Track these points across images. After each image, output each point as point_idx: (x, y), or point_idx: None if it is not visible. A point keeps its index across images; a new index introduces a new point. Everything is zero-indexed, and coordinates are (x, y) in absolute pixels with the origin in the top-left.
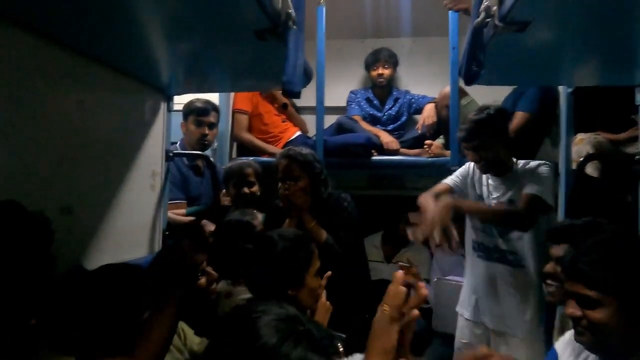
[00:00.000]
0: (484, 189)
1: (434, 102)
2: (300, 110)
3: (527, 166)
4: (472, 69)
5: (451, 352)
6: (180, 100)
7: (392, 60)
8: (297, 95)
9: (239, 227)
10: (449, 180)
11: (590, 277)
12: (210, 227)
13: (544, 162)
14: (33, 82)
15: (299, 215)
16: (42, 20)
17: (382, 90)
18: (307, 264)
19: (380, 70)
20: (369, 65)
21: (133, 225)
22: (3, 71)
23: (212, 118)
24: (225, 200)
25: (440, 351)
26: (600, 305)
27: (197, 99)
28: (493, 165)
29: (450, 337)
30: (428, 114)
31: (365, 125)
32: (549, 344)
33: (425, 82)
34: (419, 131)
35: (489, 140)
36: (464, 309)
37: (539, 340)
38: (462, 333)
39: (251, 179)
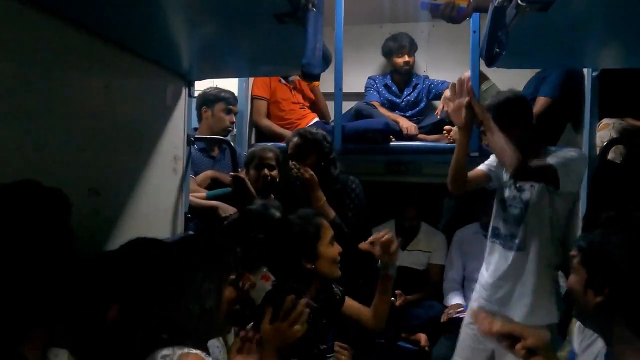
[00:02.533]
0: None
1: None
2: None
3: (558, 152)
4: (493, 50)
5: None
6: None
7: (415, 48)
8: (317, 77)
9: (257, 219)
10: (484, 166)
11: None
12: (229, 210)
13: (577, 149)
14: (59, 67)
15: (307, 193)
16: (67, 5)
17: (401, 77)
18: (316, 235)
19: (406, 58)
20: (391, 52)
21: (156, 207)
22: (31, 56)
23: (237, 107)
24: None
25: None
26: (575, 272)
27: (218, 88)
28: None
29: None
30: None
31: (383, 111)
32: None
33: (445, 67)
34: (438, 117)
35: (505, 125)
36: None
37: (542, 327)
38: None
39: (272, 162)
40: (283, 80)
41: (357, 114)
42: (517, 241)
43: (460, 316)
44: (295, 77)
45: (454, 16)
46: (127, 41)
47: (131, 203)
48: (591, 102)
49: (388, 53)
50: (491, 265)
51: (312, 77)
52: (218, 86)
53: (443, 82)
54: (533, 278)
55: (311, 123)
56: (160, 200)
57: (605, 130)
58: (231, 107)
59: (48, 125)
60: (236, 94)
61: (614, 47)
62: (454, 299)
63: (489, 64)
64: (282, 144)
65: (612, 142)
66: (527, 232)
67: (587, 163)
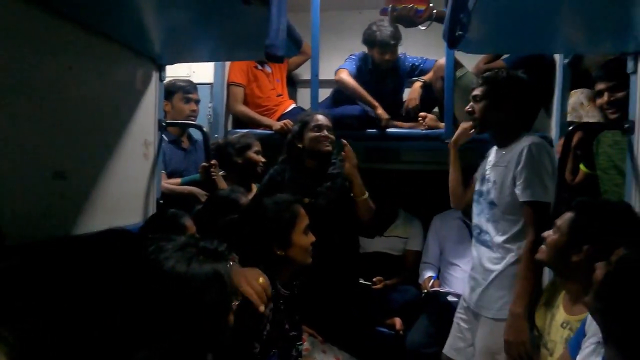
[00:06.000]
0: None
1: (422, 81)
2: (297, 83)
3: (517, 146)
4: (455, 32)
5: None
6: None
7: (398, 41)
8: (281, 59)
9: (224, 203)
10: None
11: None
12: (204, 195)
13: (531, 142)
14: (20, 48)
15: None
16: None
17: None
18: (291, 223)
19: (388, 57)
20: (373, 46)
21: (126, 192)
22: None
23: (197, 95)
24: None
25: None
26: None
27: (174, 78)
28: (494, 131)
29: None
30: (412, 96)
31: (361, 91)
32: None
33: (422, 48)
34: (410, 107)
35: (496, 100)
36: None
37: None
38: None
39: (258, 148)
40: (260, 67)
41: (336, 95)
42: (480, 234)
43: (436, 289)
44: (271, 63)
45: (412, 17)
46: (93, 23)
47: (99, 187)
48: (562, 88)
49: (370, 45)
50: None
51: (275, 58)
52: (177, 77)
53: (425, 61)
54: (498, 272)
55: (288, 109)
56: (130, 185)
57: (575, 97)
58: (190, 95)
59: (8, 106)
60: (212, 81)
61: (578, 33)
62: (427, 274)
63: (451, 45)
64: (260, 131)
65: (574, 129)
66: (490, 226)
67: (553, 155)
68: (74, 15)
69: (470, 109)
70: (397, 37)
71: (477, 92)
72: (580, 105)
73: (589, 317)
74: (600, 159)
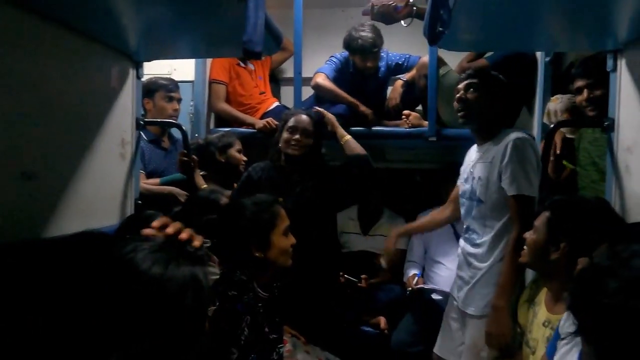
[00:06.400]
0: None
1: (403, 80)
2: (280, 81)
3: (501, 142)
4: (436, 29)
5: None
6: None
7: (380, 46)
8: (259, 55)
9: (204, 204)
10: (459, 181)
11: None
12: (184, 195)
13: (516, 137)
14: None
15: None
16: None
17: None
18: (271, 224)
19: (369, 64)
20: (354, 54)
21: (101, 193)
22: None
23: (179, 94)
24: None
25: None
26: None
27: (156, 77)
28: (479, 122)
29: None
30: (393, 95)
31: (344, 95)
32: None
33: (405, 45)
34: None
35: (487, 86)
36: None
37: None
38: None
39: (240, 147)
40: (242, 64)
41: (319, 97)
42: (468, 233)
43: (421, 286)
44: (254, 61)
45: (391, 13)
46: (63, 17)
47: (73, 188)
48: (544, 87)
49: (351, 52)
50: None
51: (253, 54)
52: (158, 75)
53: (409, 58)
54: (485, 270)
55: (271, 107)
56: (106, 185)
57: (556, 102)
58: (172, 94)
59: None
60: (193, 78)
61: (563, 30)
62: (411, 272)
63: (432, 42)
64: (243, 129)
65: (556, 127)
66: (477, 224)
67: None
68: (43, 9)
69: (462, 96)
70: (377, 44)
71: (472, 81)
72: (554, 113)
73: (563, 319)
74: (581, 155)
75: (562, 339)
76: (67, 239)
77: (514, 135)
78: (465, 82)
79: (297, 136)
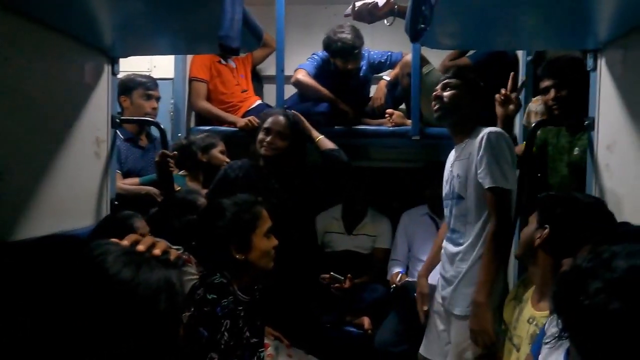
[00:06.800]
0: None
1: (387, 80)
2: (262, 79)
3: (476, 138)
4: (418, 26)
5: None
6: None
7: (360, 48)
8: (236, 52)
9: (181, 205)
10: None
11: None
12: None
13: (489, 131)
14: None
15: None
16: None
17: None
18: (252, 225)
19: (349, 66)
20: (335, 56)
21: (75, 193)
22: None
23: (158, 92)
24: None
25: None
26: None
27: (134, 74)
28: (457, 120)
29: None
30: (377, 95)
31: (324, 91)
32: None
33: (387, 43)
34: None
35: (459, 94)
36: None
37: None
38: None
39: (223, 148)
40: (223, 62)
41: (302, 95)
42: (452, 233)
43: (406, 279)
44: (235, 58)
45: (372, 10)
46: (33, 11)
47: (44, 188)
48: (525, 86)
49: (331, 54)
50: None
51: (230, 50)
52: (136, 72)
53: (390, 55)
54: (467, 268)
55: (254, 106)
56: (80, 185)
57: (537, 103)
58: (151, 92)
59: None
60: (173, 76)
61: (544, 29)
62: (395, 270)
63: (413, 39)
64: (224, 128)
65: (539, 124)
66: (459, 222)
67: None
68: (10, 2)
69: (439, 94)
70: (357, 45)
71: (449, 80)
72: (535, 114)
73: (549, 318)
74: (549, 152)
75: (547, 338)
76: (35, 242)
77: (487, 129)
78: (445, 81)
79: (269, 138)
